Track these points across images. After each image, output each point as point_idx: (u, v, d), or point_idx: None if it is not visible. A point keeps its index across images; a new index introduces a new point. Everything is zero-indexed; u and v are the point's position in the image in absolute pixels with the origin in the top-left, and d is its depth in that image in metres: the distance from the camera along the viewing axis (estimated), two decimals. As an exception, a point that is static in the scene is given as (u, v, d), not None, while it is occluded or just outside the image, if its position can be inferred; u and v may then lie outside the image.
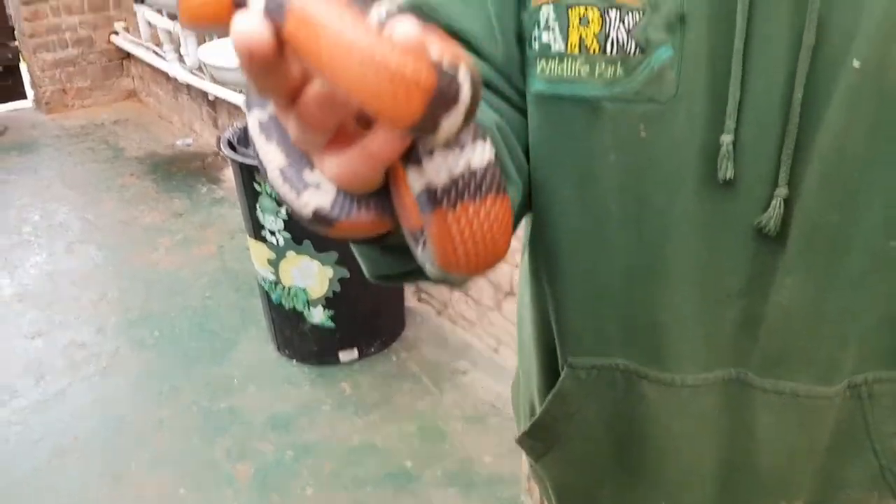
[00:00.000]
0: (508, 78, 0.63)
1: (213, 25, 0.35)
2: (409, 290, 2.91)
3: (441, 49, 0.31)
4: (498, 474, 2.15)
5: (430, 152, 0.33)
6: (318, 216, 0.39)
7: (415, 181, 0.34)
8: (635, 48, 0.56)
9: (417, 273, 0.51)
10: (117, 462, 2.27)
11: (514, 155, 0.63)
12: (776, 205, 0.57)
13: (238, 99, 3.44)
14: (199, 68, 3.75)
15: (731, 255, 0.60)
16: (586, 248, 0.65)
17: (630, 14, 0.56)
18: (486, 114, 0.60)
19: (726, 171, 0.57)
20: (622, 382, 0.69)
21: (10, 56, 4.93)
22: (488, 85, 0.63)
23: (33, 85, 4.94)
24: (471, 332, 2.72)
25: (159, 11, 3.94)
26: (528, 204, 0.66)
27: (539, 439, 0.76)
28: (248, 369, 2.64)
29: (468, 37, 0.62)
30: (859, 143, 0.55)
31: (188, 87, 4.07)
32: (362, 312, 2.61)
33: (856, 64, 0.53)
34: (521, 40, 0.63)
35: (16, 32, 4.91)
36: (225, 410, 2.45)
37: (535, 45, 0.61)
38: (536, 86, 0.62)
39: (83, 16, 4.78)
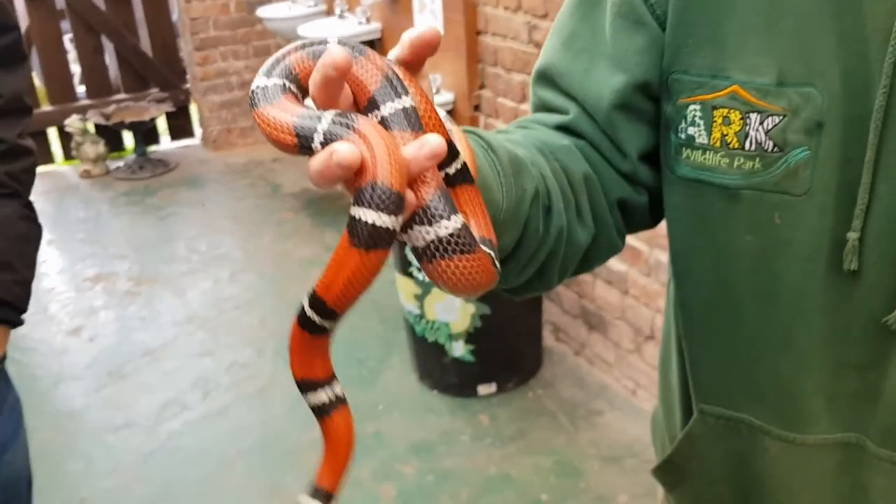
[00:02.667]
0: (612, 142, 0.72)
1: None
2: (547, 330, 3.00)
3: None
4: (633, 514, 2.19)
5: (409, 227, 0.46)
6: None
7: (407, 241, 0.47)
8: (773, 147, 0.64)
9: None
10: (274, 476, 2.46)
11: (595, 204, 0.71)
12: None
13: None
14: (353, 112, 4.02)
15: (853, 335, 0.66)
16: (719, 316, 0.73)
17: (770, 118, 0.63)
18: (578, 165, 0.70)
19: (850, 263, 0.63)
20: (747, 435, 0.74)
21: (182, 98, 5.42)
22: (591, 143, 0.73)
23: (202, 124, 5.40)
24: (608, 373, 2.77)
25: (318, 59, 4.25)
26: (597, 244, 0.74)
27: (671, 473, 0.84)
28: (392, 397, 2.80)
29: (580, 102, 0.72)
30: None
31: (341, 128, 4.35)
32: (502, 349, 2.72)
33: None
34: (641, 115, 0.72)
35: (188, 76, 5.40)
36: (370, 434, 2.61)
37: (682, 136, 0.69)
38: (681, 170, 0.70)
39: (248, 61, 5.20)
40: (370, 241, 0.42)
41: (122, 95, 5.31)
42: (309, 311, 0.48)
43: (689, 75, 0.67)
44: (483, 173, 0.56)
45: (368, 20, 3.72)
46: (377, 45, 3.79)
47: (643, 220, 0.77)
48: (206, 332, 3.27)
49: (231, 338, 3.23)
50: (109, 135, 5.09)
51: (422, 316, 2.67)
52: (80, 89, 5.38)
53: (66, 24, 5.21)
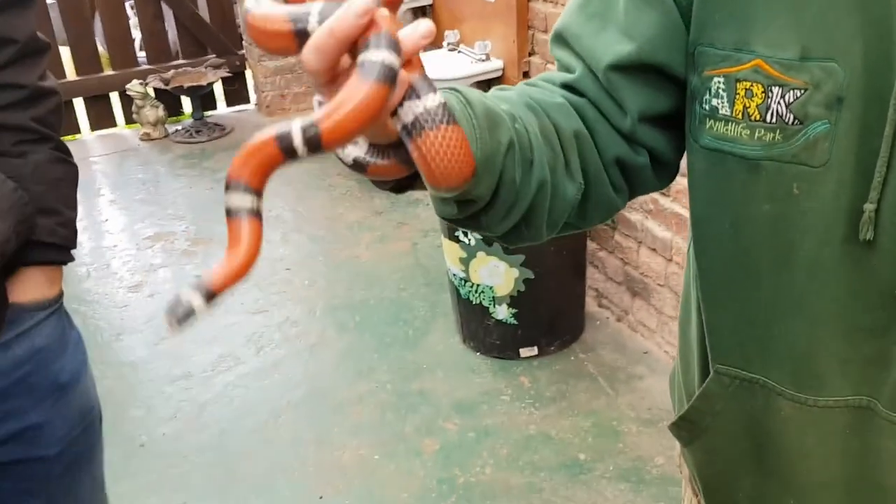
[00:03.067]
0: (613, 100, 0.75)
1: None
2: (590, 296, 3.04)
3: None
4: (670, 475, 2.24)
5: (400, 104, 0.51)
6: (355, 163, 0.59)
7: (396, 124, 0.53)
8: (794, 119, 0.66)
9: (469, 223, 0.68)
10: (322, 428, 2.57)
11: (586, 160, 0.74)
12: None
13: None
14: (404, 78, 4.07)
15: (868, 302, 0.69)
16: (736, 280, 0.75)
17: (792, 91, 0.66)
18: (570, 122, 0.73)
19: (867, 233, 0.66)
20: (761, 395, 0.77)
21: (238, 63, 5.53)
22: (592, 101, 0.75)
23: (256, 90, 5.51)
24: (650, 339, 2.81)
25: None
26: (589, 200, 0.77)
27: (686, 430, 0.87)
28: (436, 356, 2.88)
29: (586, 61, 0.76)
30: None
31: (392, 95, 4.41)
32: (544, 312, 2.77)
33: None
34: (663, 73, 0.74)
35: (244, 43, 5.50)
36: (415, 391, 2.70)
37: (706, 107, 0.71)
38: (704, 140, 0.72)
39: (302, 28, 5.27)
40: (382, 75, 0.47)
41: (180, 61, 5.44)
42: (297, 136, 0.50)
43: (715, 48, 0.69)
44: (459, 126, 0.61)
45: (420, -13, 3.75)
46: (429, 11, 3.82)
47: (647, 181, 0.80)
48: (259, 291, 3.39)
49: (283, 296, 3.35)
50: (168, 99, 5.24)
51: (466, 279, 2.73)
52: (141, 55, 5.52)
53: (127, -9, 5.35)
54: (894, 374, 0.69)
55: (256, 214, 0.54)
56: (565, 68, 0.78)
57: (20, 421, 1.09)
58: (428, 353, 2.90)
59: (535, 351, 2.80)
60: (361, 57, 0.48)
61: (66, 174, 1.15)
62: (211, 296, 0.54)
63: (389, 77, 0.47)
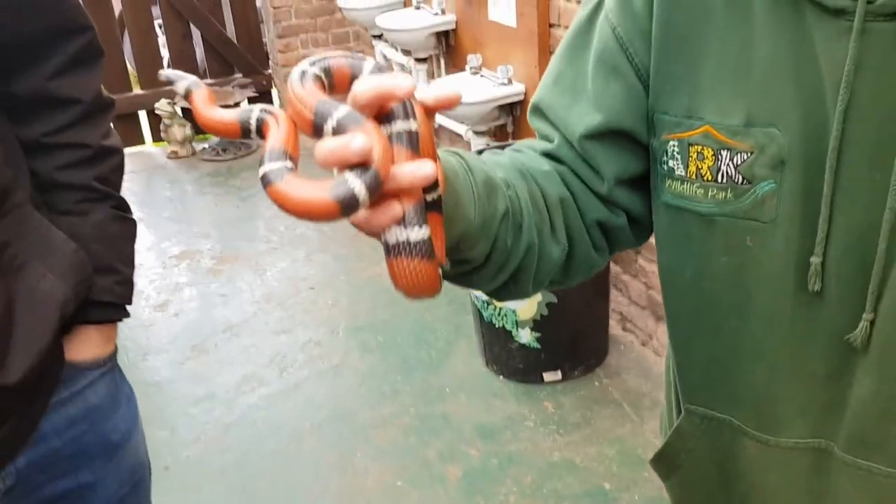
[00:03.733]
0: (589, 167, 0.80)
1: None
2: (614, 319, 3.02)
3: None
4: (693, 505, 2.21)
5: (388, 227, 0.54)
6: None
7: (383, 236, 0.55)
8: (742, 180, 0.71)
9: (460, 280, 0.72)
10: (344, 451, 2.58)
11: (570, 224, 0.79)
12: (863, 327, 0.69)
13: (459, 129, 3.72)
14: (428, 99, 4.09)
15: (820, 350, 0.72)
16: (700, 325, 0.80)
17: (739, 154, 0.71)
18: (555, 188, 0.78)
19: (815, 284, 0.70)
20: (728, 434, 0.82)
21: (264, 83, 5.59)
22: (571, 168, 0.80)
23: (282, 108, 5.55)
24: (673, 364, 2.78)
25: (394, 47, 4.33)
26: (573, 260, 0.81)
27: (664, 465, 0.92)
28: (459, 379, 2.88)
29: (562, 132, 0.81)
30: None
31: (416, 114, 4.43)
32: (567, 336, 2.76)
33: None
34: (632, 139, 0.79)
35: (270, 62, 5.57)
36: (438, 415, 2.70)
37: (665, 167, 0.77)
38: (664, 197, 0.78)
39: (327, 48, 5.32)
40: (343, 201, 0.50)
41: (207, 80, 5.51)
42: (265, 167, 0.54)
43: (669, 115, 0.75)
44: (460, 191, 0.64)
45: (444, 11, 3.77)
46: (452, 35, 3.84)
47: (626, 238, 0.85)
48: (282, 311, 3.41)
49: (306, 316, 3.36)
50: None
51: (489, 302, 2.73)
52: (169, 73, 5.60)
53: (156, 10, 5.43)
54: (848, 418, 0.73)
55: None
56: (544, 137, 0.84)
57: (72, 480, 1.09)
58: (451, 376, 2.90)
59: (558, 375, 2.79)
60: (345, 174, 0.51)
61: (125, 231, 1.16)
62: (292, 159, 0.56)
63: (346, 204, 0.50)
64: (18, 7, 1.02)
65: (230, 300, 3.55)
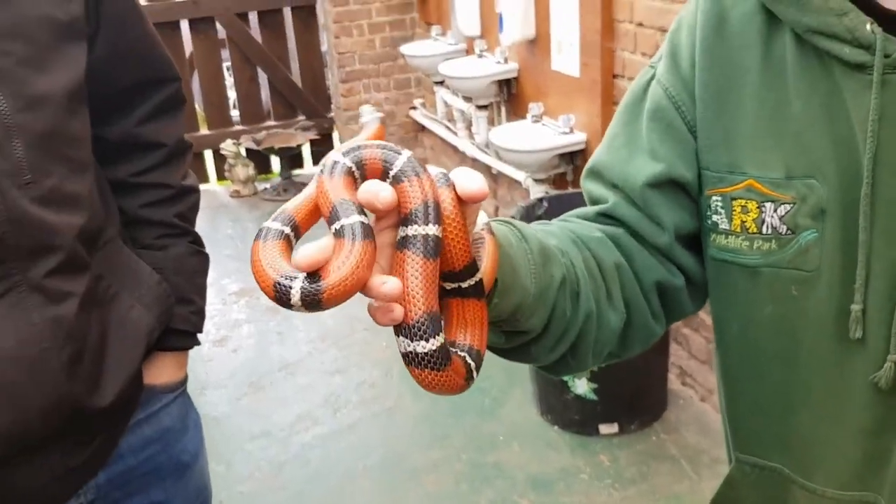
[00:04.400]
0: (649, 218, 0.80)
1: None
2: (673, 373, 2.98)
3: None
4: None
5: (396, 334, 0.55)
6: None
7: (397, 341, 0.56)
8: (786, 230, 0.74)
9: (517, 353, 0.72)
10: (396, 495, 2.57)
11: (627, 290, 0.79)
12: (889, 367, 0.70)
13: (518, 176, 3.74)
14: (487, 145, 4.13)
15: (863, 398, 0.73)
16: (748, 375, 0.82)
17: (782, 205, 0.73)
18: (610, 254, 0.79)
19: (855, 332, 0.71)
20: (779, 483, 0.83)
21: (325, 126, 5.72)
22: (628, 226, 0.81)
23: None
24: (733, 421, 2.72)
25: (455, 93, 4.40)
26: (631, 329, 0.80)
27: None
28: (513, 428, 2.85)
29: (620, 187, 0.82)
30: None
31: (473, 160, 4.48)
32: (625, 389, 2.73)
33: None
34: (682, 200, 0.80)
35: (332, 106, 5.70)
36: (490, 463, 2.67)
37: (709, 222, 0.79)
38: (710, 252, 0.80)
39: (389, 93, 5.43)
40: (277, 294, 0.55)
41: (271, 122, 5.66)
42: (267, 221, 0.58)
43: (711, 171, 0.78)
44: (515, 260, 0.64)
45: (506, 60, 3.83)
46: (513, 84, 3.89)
47: (684, 303, 0.85)
48: (337, 350, 3.44)
49: (361, 357, 3.38)
50: (258, 158, 5.45)
51: (546, 351, 2.71)
52: (234, 113, 5.77)
53: (225, 53, 5.63)
54: (892, 470, 0.73)
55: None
56: (597, 200, 0.85)
57: (145, 498, 1.14)
58: (504, 424, 2.88)
59: (615, 428, 2.75)
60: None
61: (200, 265, 1.24)
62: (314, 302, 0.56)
63: (278, 298, 0.55)
64: (120, 60, 1.10)
65: (286, 338, 3.60)
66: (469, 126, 4.36)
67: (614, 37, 2.97)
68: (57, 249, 0.95)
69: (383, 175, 0.56)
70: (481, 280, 0.59)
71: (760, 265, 0.75)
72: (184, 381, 1.22)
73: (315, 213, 0.58)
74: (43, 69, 0.94)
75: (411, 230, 0.54)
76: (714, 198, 0.78)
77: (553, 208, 3.13)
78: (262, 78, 5.63)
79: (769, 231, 0.74)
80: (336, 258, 0.53)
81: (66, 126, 0.98)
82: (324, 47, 5.70)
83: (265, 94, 5.74)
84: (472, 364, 0.59)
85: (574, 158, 3.38)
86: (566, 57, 3.28)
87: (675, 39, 0.81)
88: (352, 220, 0.53)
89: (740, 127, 0.76)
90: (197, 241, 1.24)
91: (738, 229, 0.76)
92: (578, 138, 3.26)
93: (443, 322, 0.60)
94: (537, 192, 3.47)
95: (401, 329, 0.55)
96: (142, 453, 1.13)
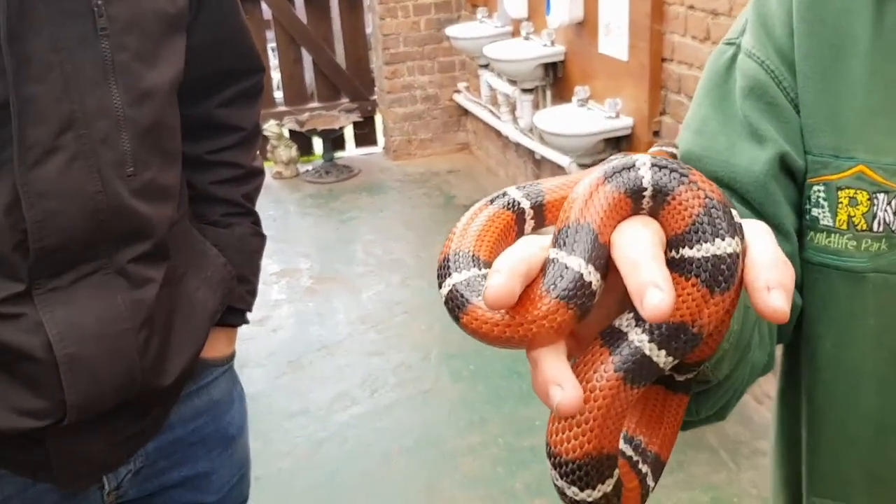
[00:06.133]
0: (771, 222, 0.66)
1: None
2: (713, 362, 2.93)
3: None
4: (794, 565, 2.11)
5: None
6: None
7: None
8: None
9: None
10: (432, 476, 2.57)
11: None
12: None
13: (563, 161, 3.70)
14: (531, 130, 4.10)
15: None
16: (839, 402, 0.71)
17: None
18: None
19: None
20: None
21: (368, 108, 5.73)
22: None
23: (385, 133, 5.68)
24: (776, 414, 2.67)
25: (500, 76, 4.37)
26: (767, 365, 0.67)
27: None
28: (549, 414, 2.83)
29: (727, 181, 0.68)
30: None
31: (517, 145, 4.45)
32: (665, 377, 2.69)
33: None
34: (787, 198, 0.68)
35: (376, 88, 5.70)
36: (527, 448, 2.66)
37: (807, 217, 0.68)
38: (806, 252, 0.68)
39: (433, 76, 5.42)
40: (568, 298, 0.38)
41: (315, 104, 5.69)
42: (450, 278, 0.41)
43: (812, 156, 0.67)
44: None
45: (553, 43, 3.79)
46: (559, 67, 3.85)
47: (790, 329, 0.72)
48: (376, 333, 3.45)
49: (399, 340, 3.39)
50: (301, 140, 5.48)
51: (586, 337, 2.69)
52: (277, 94, 5.81)
53: (270, 34, 5.66)
54: None
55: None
56: None
57: (192, 468, 1.17)
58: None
59: (653, 416, 2.71)
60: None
61: (259, 246, 1.26)
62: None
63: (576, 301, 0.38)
64: (214, 48, 1.13)
65: (326, 319, 3.62)
66: (513, 110, 4.33)
67: (664, 19, 2.91)
68: (147, 238, 0.99)
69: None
70: (695, 375, 0.47)
71: (867, 269, 0.65)
72: (232, 356, 1.25)
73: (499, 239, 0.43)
74: (153, 63, 0.98)
75: (698, 251, 0.38)
76: (816, 187, 0.66)
77: (596, 194, 3.10)
78: (307, 59, 5.66)
79: (881, 228, 0.64)
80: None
81: (165, 118, 1.01)
82: (369, 29, 5.70)
83: (309, 75, 5.76)
84: (650, 478, 0.45)
85: (620, 143, 3.33)
86: (614, 40, 3.23)
87: (763, 7, 0.70)
88: (463, 275, 0.39)
89: (849, 104, 0.65)
90: (257, 223, 1.27)
91: (845, 225, 0.65)
92: (625, 123, 3.21)
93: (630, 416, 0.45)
94: (580, 177, 3.44)
95: (555, 462, 0.40)
96: (191, 424, 1.16)
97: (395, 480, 2.58)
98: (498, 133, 4.70)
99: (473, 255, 0.41)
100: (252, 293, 1.24)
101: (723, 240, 0.37)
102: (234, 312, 1.21)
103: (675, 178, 0.39)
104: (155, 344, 1.01)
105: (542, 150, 3.99)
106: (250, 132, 1.23)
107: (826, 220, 0.67)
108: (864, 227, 0.65)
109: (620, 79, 3.24)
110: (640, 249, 0.37)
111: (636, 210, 0.40)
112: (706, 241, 0.38)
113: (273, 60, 5.92)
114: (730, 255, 0.37)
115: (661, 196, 0.39)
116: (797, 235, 0.69)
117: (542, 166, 4.30)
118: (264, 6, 5.45)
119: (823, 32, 0.66)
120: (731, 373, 0.55)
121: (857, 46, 0.65)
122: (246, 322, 1.24)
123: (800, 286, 0.70)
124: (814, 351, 0.71)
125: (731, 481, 2.44)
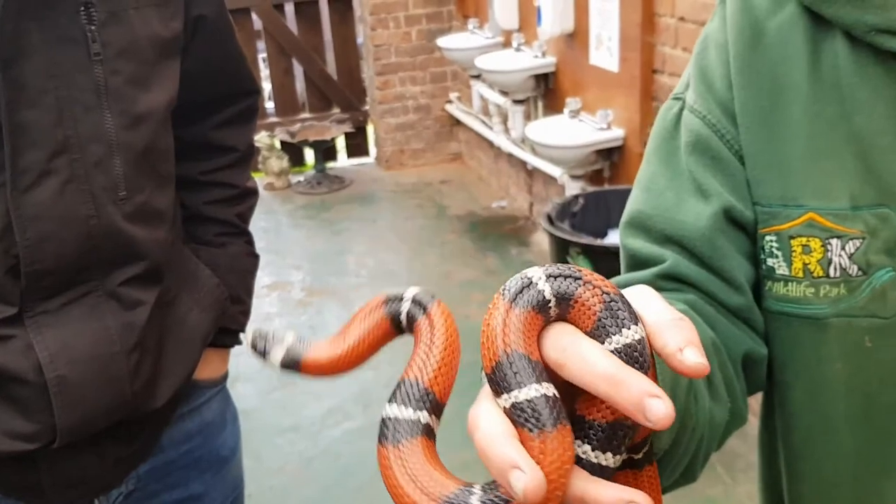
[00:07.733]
0: (720, 276, 0.66)
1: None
2: (707, 374, 2.92)
3: None
4: (791, 581, 2.09)
5: None
6: None
7: None
8: (857, 270, 0.63)
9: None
10: (426, 493, 2.55)
11: (724, 371, 0.64)
12: None
13: (555, 172, 3.70)
14: (523, 140, 4.09)
15: None
16: (816, 445, 0.70)
17: (850, 241, 0.62)
18: (704, 332, 0.62)
19: None
20: None
21: (360, 119, 5.72)
22: (698, 287, 0.66)
23: (377, 144, 5.67)
24: (771, 426, 2.66)
25: (492, 87, 4.36)
26: (734, 420, 0.65)
27: None
28: None
29: (676, 239, 0.67)
30: None
31: (509, 155, 4.44)
32: (660, 390, 2.67)
33: None
34: (746, 255, 0.68)
35: (367, 99, 5.69)
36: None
37: (763, 267, 0.67)
38: (766, 302, 0.67)
39: (424, 86, 5.41)
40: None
41: (306, 115, 5.67)
42: (386, 409, 0.45)
43: (761, 206, 0.66)
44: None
45: (544, 54, 3.78)
46: (551, 78, 3.84)
47: (762, 377, 0.71)
48: (369, 346, 3.42)
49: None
50: (293, 151, 5.46)
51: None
52: (268, 105, 5.80)
53: (260, 44, 5.65)
54: None
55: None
56: (647, 260, 0.69)
57: (185, 490, 1.15)
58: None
59: (647, 430, 2.70)
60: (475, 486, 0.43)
61: (253, 266, 1.26)
62: (293, 365, 0.51)
63: None
64: (209, 73, 1.13)
65: (318, 332, 3.59)
66: (505, 120, 4.32)
67: (655, 31, 2.91)
68: (139, 261, 0.99)
69: (598, 325, 0.41)
70: (651, 445, 0.46)
71: (829, 315, 0.64)
72: (225, 378, 1.24)
73: (455, 361, 0.44)
74: (147, 87, 0.97)
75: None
76: (768, 237, 0.65)
77: (589, 205, 3.09)
78: (298, 70, 5.64)
79: (837, 273, 0.63)
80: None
81: (159, 141, 1.01)
82: (360, 39, 5.70)
83: (300, 86, 5.75)
84: None
85: (611, 155, 3.33)
86: (605, 51, 3.23)
87: (703, 61, 0.70)
88: (531, 392, 0.39)
89: (792, 150, 0.64)
90: (251, 242, 1.26)
91: (801, 273, 0.64)
92: (616, 134, 3.21)
93: None
94: (573, 188, 3.43)
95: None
96: (183, 446, 1.14)
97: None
98: (490, 143, 4.69)
99: (528, 358, 0.41)
100: (245, 314, 1.23)
101: (629, 328, 0.40)
102: (227, 333, 1.19)
103: (572, 283, 0.42)
104: (146, 366, 1.00)
105: (534, 160, 3.98)
106: (244, 152, 1.23)
107: (782, 270, 0.66)
108: (821, 273, 0.64)
109: (612, 90, 3.23)
110: (600, 362, 0.39)
111: (547, 321, 0.42)
112: (615, 334, 0.40)
113: (264, 71, 5.92)
114: (638, 342, 0.40)
115: (564, 302, 0.41)
116: (757, 285, 0.69)
117: (534, 177, 4.30)
118: (254, 17, 5.43)
119: (761, 83, 0.66)
120: (677, 439, 0.54)
121: (796, 92, 0.65)
122: (239, 343, 1.23)
123: (764, 335, 0.70)
124: (784, 398, 0.71)
125: (728, 495, 2.43)
